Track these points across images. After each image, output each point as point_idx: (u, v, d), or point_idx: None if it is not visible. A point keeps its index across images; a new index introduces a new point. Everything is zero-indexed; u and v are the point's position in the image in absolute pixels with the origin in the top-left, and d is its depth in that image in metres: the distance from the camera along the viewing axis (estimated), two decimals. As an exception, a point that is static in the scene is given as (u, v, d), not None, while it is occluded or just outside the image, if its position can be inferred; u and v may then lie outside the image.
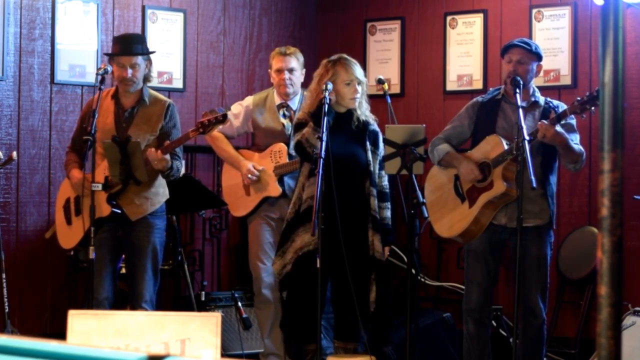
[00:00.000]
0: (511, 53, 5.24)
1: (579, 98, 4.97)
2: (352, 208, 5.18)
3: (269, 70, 6.13)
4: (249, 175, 5.99)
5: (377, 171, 5.34)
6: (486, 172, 5.20)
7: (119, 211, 5.31)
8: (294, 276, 5.27)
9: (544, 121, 5.03)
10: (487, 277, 5.29)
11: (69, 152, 5.64)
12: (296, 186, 5.45)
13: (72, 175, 5.49)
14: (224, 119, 5.25)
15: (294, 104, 6.04)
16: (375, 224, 5.24)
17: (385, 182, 5.41)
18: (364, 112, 5.34)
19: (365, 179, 5.27)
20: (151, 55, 5.44)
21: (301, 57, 6.05)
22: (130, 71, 5.36)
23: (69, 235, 5.58)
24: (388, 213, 5.37)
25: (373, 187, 5.27)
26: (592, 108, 4.89)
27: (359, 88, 5.27)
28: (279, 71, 5.99)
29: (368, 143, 5.32)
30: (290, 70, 5.99)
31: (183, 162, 5.55)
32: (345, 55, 5.35)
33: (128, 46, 5.43)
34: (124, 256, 5.59)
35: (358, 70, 5.29)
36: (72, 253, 5.61)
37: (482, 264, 5.28)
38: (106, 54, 5.61)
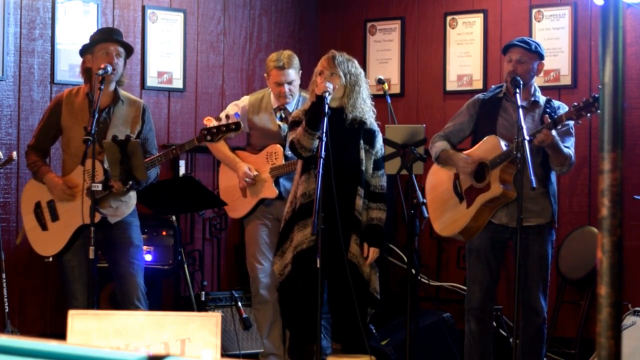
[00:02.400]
0: (511, 52, 5.26)
1: (575, 104, 4.98)
2: (338, 207, 5.03)
3: (265, 75, 6.09)
4: (245, 179, 5.98)
5: (370, 171, 5.26)
6: (485, 172, 5.21)
7: (106, 215, 5.23)
8: (294, 275, 5.24)
9: (550, 131, 5.00)
10: (488, 276, 5.30)
11: (30, 153, 5.45)
12: (292, 185, 5.44)
13: (52, 180, 5.34)
14: (237, 127, 5.19)
15: (291, 106, 6.00)
16: (355, 225, 5.18)
17: (383, 182, 5.30)
18: (358, 108, 5.22)
19: (355, 178, 5.21)
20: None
21: (297, 61, 5.97)
22: (115, 59, 5.23)
23: (47, 242, 5.40)
24: (379, 214, 5.24)
25: (361, 186, 5.20)
26: (588, 114, 4.90)
27: (329, 79, 5.16)
28: (279, 84, 5.92)
29: (362, 142, 5.25)
30: (290, 82, 5.96)
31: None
32: (332, 51, 5.30)
33: (112, 34, 5.36)
34: (106, 259, 5.47)
35: (339, 59, 5.21)
36: (50, 259, 5.45)
37: (484, 263, 5.29)
38: (85, 46, 5.35)
